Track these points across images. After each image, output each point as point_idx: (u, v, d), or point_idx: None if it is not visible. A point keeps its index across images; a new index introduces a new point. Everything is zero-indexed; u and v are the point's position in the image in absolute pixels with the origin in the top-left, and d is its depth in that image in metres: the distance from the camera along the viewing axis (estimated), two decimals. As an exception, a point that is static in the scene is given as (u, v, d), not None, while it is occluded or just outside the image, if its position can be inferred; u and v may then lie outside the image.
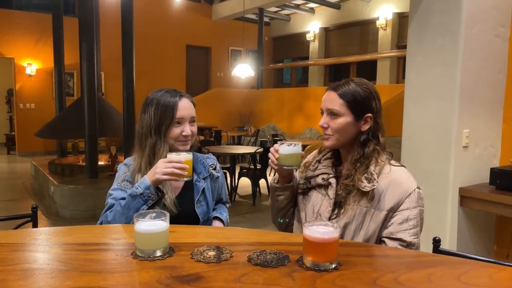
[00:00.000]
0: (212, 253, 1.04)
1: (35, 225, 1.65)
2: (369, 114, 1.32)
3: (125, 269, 0.95)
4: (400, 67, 9.16)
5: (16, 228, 1.58)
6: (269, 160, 1.37)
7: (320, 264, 0.95)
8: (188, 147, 1.49)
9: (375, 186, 1.26)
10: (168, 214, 1.06)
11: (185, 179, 1.34)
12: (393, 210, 1.25)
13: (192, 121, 1.49)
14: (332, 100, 1.32)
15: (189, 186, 1.53)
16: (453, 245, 2.55)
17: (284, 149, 1.30)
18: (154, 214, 1.06)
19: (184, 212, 1.45)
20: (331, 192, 1.34)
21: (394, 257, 1.09)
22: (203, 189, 1.54)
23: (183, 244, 1.10)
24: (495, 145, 2.72)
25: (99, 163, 5.49)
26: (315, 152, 1.51)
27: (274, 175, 1.49)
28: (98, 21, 6.27)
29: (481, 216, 2.69)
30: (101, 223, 1.40)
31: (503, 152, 2.73)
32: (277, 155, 1.31)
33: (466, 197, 2.53)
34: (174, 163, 1.30)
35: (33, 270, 0.95)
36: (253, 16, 11.43)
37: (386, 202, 1.26)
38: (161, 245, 1.03)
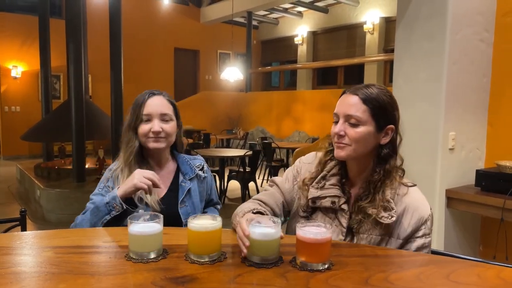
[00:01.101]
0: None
1: (23, 229, 1.63)
2: (391, 126, 1.18)
3: (119, 272, 0.95)
4: (387, 71, 9.28)
5: (5, 232, 1.56)
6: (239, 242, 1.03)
7: (313, 264, 0.97)
8: (161, 144, 1.47)
9: (394, 219, 1.13)
10: (162, 216, 1.06)
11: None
12: (408, 238, 1.16)
13: (164, 118, 1.46)
14: (353, 104, 1.15)
15: (175, 188, 1.53)
16: (440, 246, 2.59)
17: (259, 233, 0.99)
18: (147, 216, 1.07)
19: (167, 214, 1.44)
20: (344, 220, 1.19)
21: (384, 257, 1.11)
22: (189, 190, 1.54)
23: (176, 246, 1.11)
24: (480, 148, 2.78)
25: (86, 166, 5.43)
26: (314, 161, 1.31)
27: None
28: (86, 23, 6.21)
29: (467, 217, 2.74)
30: (74, 226, 1.40)
31: (488, 154, 2.80)
32: (247, 243, 0.99)
33: (452, 198, 2.58)
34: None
35: (25, 274, 0.94)
36: (242, 20, 11.46)
37: (402, 230, 1.16)
38: (154, 247, 1.04)
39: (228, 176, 5.68)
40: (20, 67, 9.23)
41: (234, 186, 5.97)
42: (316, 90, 10.46)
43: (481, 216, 2.80)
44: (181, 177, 1.55)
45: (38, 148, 8.70)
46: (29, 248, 1.11)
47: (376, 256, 1.09)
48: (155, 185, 1.31)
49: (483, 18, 2.64)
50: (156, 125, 1.44)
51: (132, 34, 9.31)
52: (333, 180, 1.23)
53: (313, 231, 0.98)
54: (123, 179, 1.42)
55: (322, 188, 1.23)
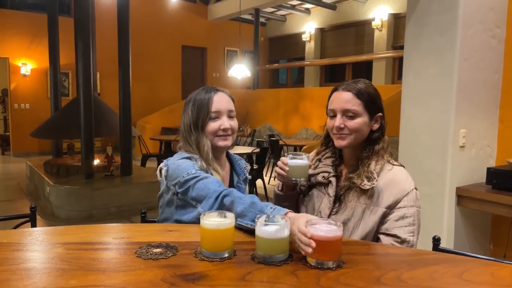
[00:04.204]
0: (215, 252, 1.04)
1: (33, 225, 1.64)
2: (380, 114, 1.36)
3: (130, 268, 0.95)
4: (395, 67, 9.20)
5: (15, 228, 1.57)
6: (276, 173, 1.37)
7: (324, 262, 0.96)
8: (229, 142, 1.44)
9: (374, 185, 1.28)
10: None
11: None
12: (390, 208, 1.29)
13: (230, 115, 1.44)
14: (349, 100, 1.31)
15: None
16: (450, 245, 2.57)
17: (294, 162, 1.31)
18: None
19: None
20: (331, 190, 1.37)
21: (395, 255, 1.10)
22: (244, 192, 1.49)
23: (185, 243, 1.11)
24: (491, 145, 2.74)
25: (95, 163, 5.46)
26: (312, 153, 1.51)
27: (275, 180, 1.48)
28: (94, 21, 6.23)
29: (477, 215, 2.71)
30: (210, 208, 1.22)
31: (499, 152, 2.76)
32: (287, 168, 1.31)
33: (462, 196, 2.55)
34: (303, 235, 0.99)
35: (36, 270, 0.95)
36: (249, 17, 11.43)
37: (384, 200, 1.29)
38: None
39: (235, 173, 5.66)
40: (29, 64, 9.30)
41: (241, 183, 5.95)
42: (324, 87, 10.39)
43: (491, 214, 2.77)
44: (235, 178, 1.53)
45: (47, 145, 8.77)
46: (40, 244, 1.12)
47: (387, 254, 1.08)
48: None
49: (494, 14, 2.60)
50: (225, 122, 1.41)
51: (140, 31, 9.33)
52: (326, 162, 1.43)
53: (324, 228, 0.98)
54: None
55: (316, 168, 1.43)
